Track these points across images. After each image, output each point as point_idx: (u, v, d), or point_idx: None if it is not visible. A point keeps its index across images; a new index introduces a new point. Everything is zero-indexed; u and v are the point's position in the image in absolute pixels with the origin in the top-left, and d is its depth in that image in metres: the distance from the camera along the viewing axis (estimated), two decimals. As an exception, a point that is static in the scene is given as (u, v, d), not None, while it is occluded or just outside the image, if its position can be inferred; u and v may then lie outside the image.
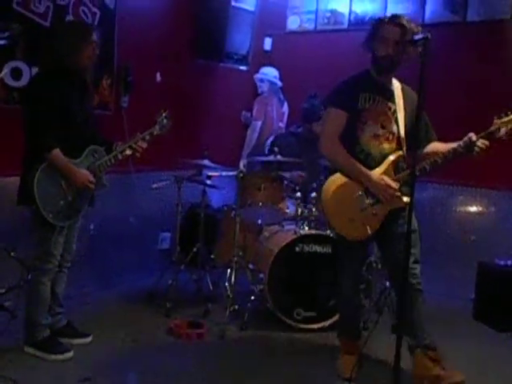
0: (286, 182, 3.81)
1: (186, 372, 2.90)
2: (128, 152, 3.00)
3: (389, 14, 2.84)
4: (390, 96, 2.79)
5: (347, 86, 2.81)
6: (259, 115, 4.95)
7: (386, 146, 2.77)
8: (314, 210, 3.72)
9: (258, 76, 5.11)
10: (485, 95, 4.28)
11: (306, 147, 4.21)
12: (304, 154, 4.12)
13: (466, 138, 2.67)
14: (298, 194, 3.79)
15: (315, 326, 3.53)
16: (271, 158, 3.92)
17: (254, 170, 4.40)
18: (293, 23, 5.61)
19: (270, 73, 5.07)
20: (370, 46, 2.77)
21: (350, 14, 5.25)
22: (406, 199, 2.67)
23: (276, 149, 3.92)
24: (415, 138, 2.67)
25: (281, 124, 5.13)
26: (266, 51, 5.64)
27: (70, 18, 3.87)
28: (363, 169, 2.72)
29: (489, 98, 4.26)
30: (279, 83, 5.08)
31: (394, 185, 2.70)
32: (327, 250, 3.56)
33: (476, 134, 2.69)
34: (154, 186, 3.97)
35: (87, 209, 3.04)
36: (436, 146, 2.83)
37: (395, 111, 2.78)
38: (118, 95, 4.38)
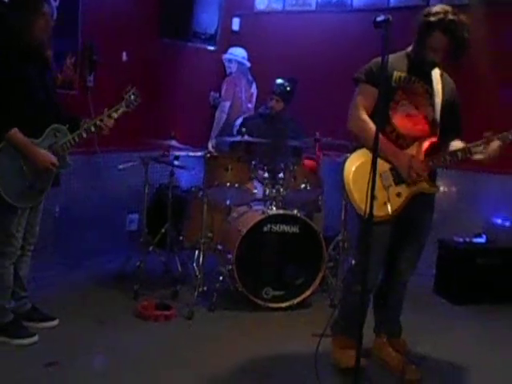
0: (253, 163, 3.81)
1: (153, 354, 2.89)
2: (93, 129, 2.90)
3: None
4: (428, 78, 2.63)
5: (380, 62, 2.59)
6: (228, 96, 4.92)
7: (418, 127, 2.63)
8: (281, 190, 3.73)
9: (226, 56, 5.06)
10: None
11: (273, 128, 4.22)
12: (271, 134, 4.12)
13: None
14: (266, 175, 3.80)
15: (283, 305, 3.58)
16: (239, 138, 3.90)
17: (221, 151, 4.38)
18: (261, 3, 5.56)
19: (238, 53, 5.03)
20: (417, 41, 2.56)
21: (317, -5, 5.23)
22: (434, 188, 2.65)
23: (244, 129, 3.91)
24: (450, 127, 2.63)
25: (249, 105, 5.11)
26: (234, 31, 5.58)
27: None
28: (390, 144, 2.59)
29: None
30: (248, 64, 5.05)
31: (422, 166, 2.58)
32: (295, 229, 3.60)
33: None
34: (121, 166, 3.91)
35: (52, 189, 2.95)
36: (456, 144, 2.66)
37: (432, 94, 2.63)
38: (82, 74, 4.27)
